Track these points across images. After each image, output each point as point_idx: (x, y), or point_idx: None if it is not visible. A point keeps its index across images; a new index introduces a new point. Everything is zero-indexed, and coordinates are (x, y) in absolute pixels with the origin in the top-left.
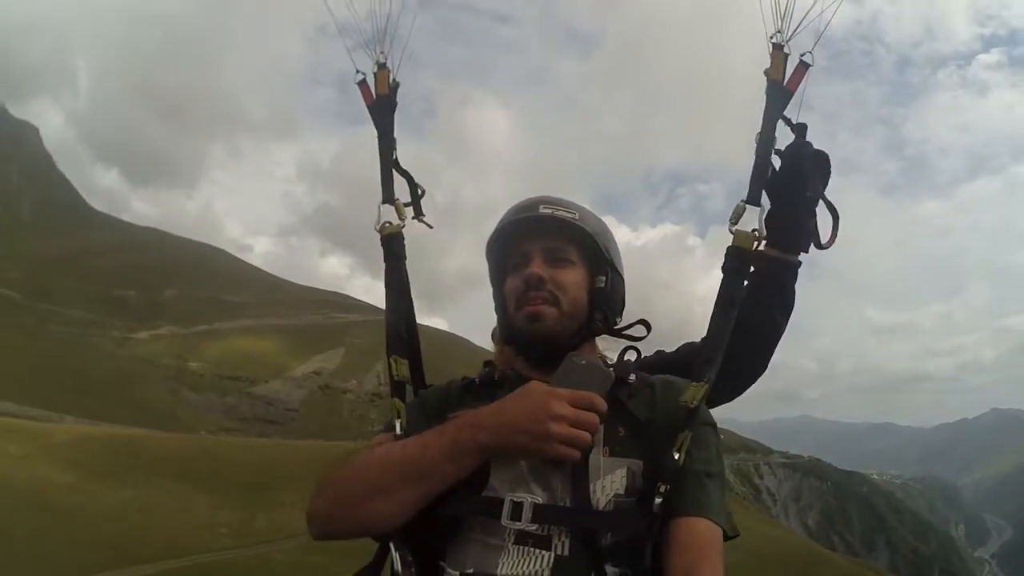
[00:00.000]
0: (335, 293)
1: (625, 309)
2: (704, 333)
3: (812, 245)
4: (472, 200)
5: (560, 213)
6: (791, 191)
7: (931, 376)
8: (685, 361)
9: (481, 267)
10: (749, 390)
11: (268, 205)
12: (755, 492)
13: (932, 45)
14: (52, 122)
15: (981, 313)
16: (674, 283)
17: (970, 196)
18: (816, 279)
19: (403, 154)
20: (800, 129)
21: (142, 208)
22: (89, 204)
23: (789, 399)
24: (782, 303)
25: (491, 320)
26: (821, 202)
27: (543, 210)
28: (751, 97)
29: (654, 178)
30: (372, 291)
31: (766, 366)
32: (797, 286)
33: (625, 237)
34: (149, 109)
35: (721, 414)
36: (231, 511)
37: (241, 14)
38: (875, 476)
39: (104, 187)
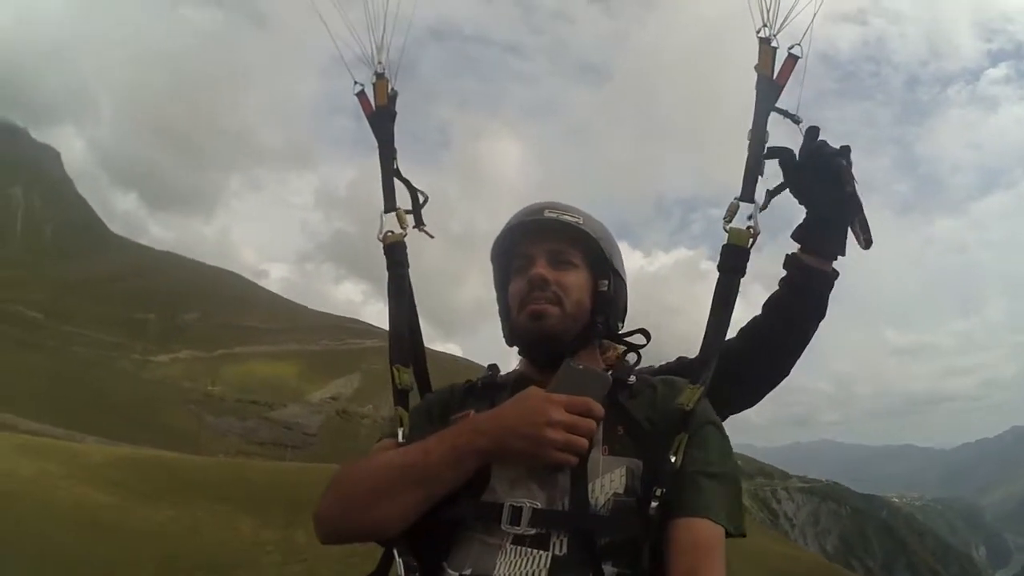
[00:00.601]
0: (351, 319)
1: (631, 323)
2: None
3: (863, 244)
4: (485, 229)
5: (565, 217)
6: (828, 192)
7: (952, 395)
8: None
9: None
10: (766, 417)
11: (284, 232)
12: (773, 517)
13: (939, 63)
14: (73, 147)
15: (1000, 328)
16: (687, 308)
17: (984, 211)
18: (832, 301)
19: (421, 183)
20: (813, 132)
21: (159, 232)
22: (109, 228)
23: (807, 423)
24: (816, 313)
25: (503, 348)
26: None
27: (548, 214)
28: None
29: (666, 203)
30: (386, 317)
31: (789, 372)
32: None
33: (637, 263)
34: (168, 138)
35: (739, 439)
36: (273, 530)
37: (258, 49)
38: (895, 499)
39: (123, 211)
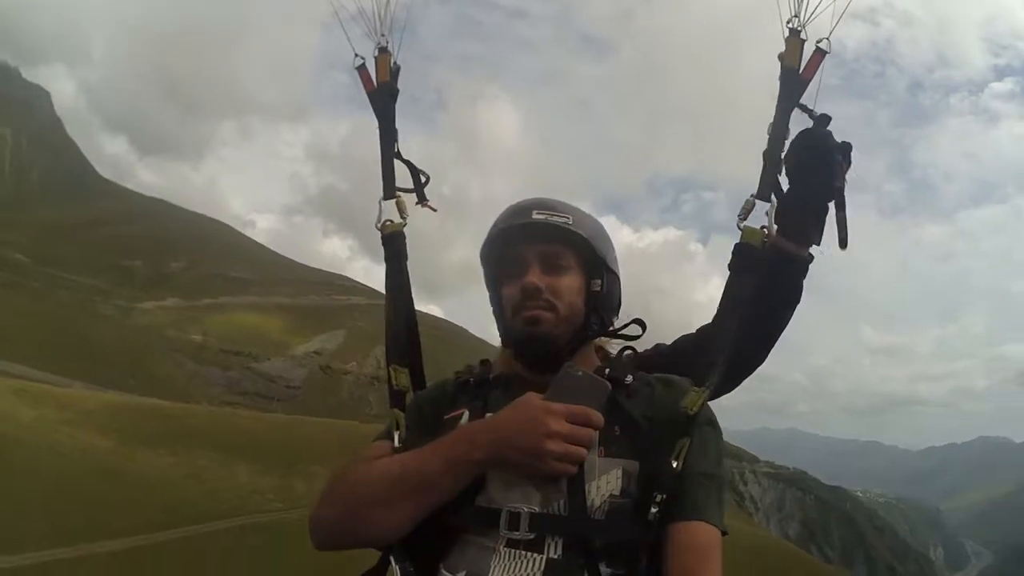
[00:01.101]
0: (338, 275)
1: (622, 308)
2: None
3: (838, 243)
4: (477, 195)
5: (554, 219)
6: (816, 180)
7: (923, 400)
8: (684, 354)
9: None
10: (737, 400)
11: (274, 184)
12: (739, 498)
13: (945, 71)
14: (64, 88)
15: (977, 340)
16: (674, 288)
17: (973, 222)
18: (813, 294)
19: (414, 145)
20: (823, 120)
21: (147, 177)
22: (98, 172)
23: (778, 412)
24: (791, 298)
25: (486, 312)
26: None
27: (536, 215)
28: (762, 112)
29: (660, 182)
30: (371, 274)
31: (764, 358)
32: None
33: (627, 238)
34: (162, 85)
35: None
36: (272, 478)
37: (257, 2)
38: (859, 493)
39: (110, 154)
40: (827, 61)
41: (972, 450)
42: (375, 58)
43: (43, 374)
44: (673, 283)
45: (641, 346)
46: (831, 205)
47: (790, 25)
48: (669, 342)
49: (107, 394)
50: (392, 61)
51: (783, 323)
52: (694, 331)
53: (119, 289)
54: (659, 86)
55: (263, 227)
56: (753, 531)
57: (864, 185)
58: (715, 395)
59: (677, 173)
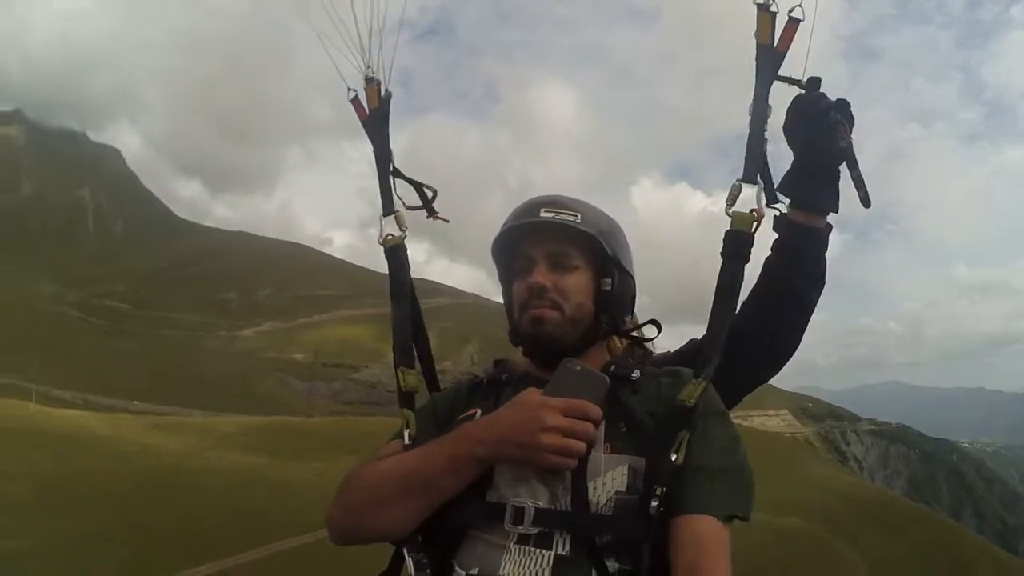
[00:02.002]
0: (418, 279)
1: (636, 305)
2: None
3: (861, 202)
4: (542, 180)
5: (561, 217)
6: (817, 143)
7: None
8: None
9: None
10: (833, 359)
11: (344, 200)
12: (842, 458)
13: None
14: (131, 143)
15: None
16: (754, 250)
17: None
18: (898, 238)
19: (471, 141)
20: (814, 82)
21: (224, 213)
22: (176, 215)
23: (876, 365)
24: (811, 274)
25: None
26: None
27: (544, 214)
28: (815, 49)
29: (724, 141)
30: (449, 274)
31: (797, 344)
32: (882, 248)
33: (700, 203)
34: (222, 121)
35: (807, 383)
36: None
37: (294, 28)
38: (966, 444)
39: (186, 197)
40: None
41: None
42: (364, 89)
43: (161, 407)
44: (755, 243)
45: (700, 311)
46: (842, 169)
47: (757, 1)
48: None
49: (235, 418)
50: (383, 88)
51: (809, 307)
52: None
53: (218, 321)
54: (706, 44)
55: (340, 243)
56: (852, 479)
57: (937, 113)
58: (758, 382)
59: (740, 130)
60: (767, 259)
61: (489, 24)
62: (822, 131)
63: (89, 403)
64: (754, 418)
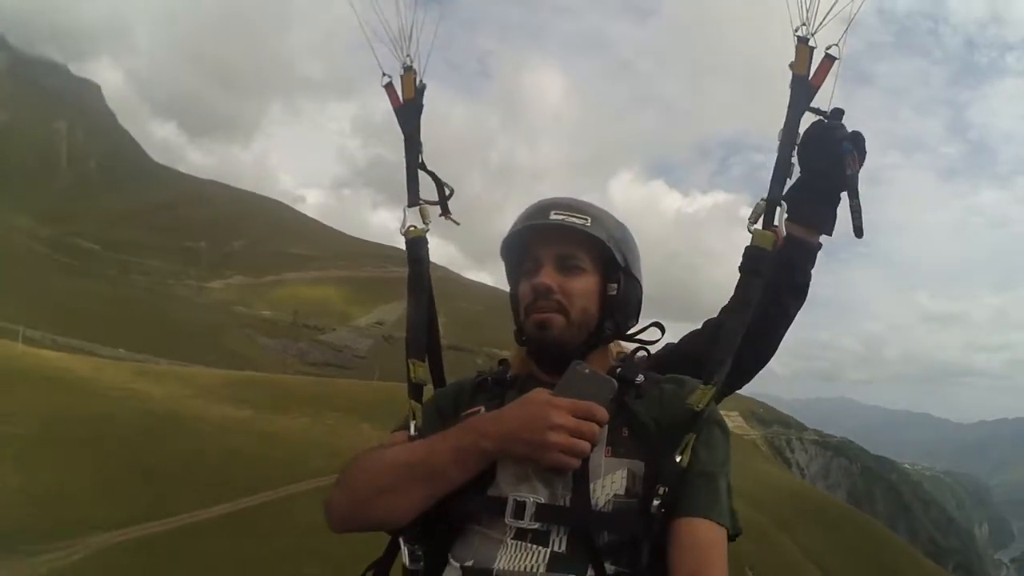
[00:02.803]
0: (392, 247)
1: (660, 255)
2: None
3: (854, 231)
4: (525, 162)
5: (571, 220)
6: (827, 167)
7: (978, 371)
8: (694, 353)
9: None
10: (791, 368)
11: (321, 158)
12: (786, 464)
13: (999, 29)
14: (112, 79)
15: None
16: (724, 253)
17: None
18: (869, 260)
19: (458, 115)
20: (836, 113)
21: (198, 159)
22: (152, 158)
23: (832, 379)
24: (796, 287)
25: None
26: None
27: (554, 216)
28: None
29: (708, 145)
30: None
31: (772, 354)
32: (851, 267)
33: (676, 203)
34: (208, 67)
35: (761, 389)
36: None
37: None
38: (906, 465)
39: (161, 138)
40: (878, 18)
41: None
42: (401, 77)
43: (131, 353)
44: (724, 247)
45: (689, 310)
46: (843, 196)
47: (798, 33)
48: (698, 325)
49: (214, 370)
50: (417, 79)
51: (789, 317)
52: (700, 327)
53: (188, 270)
54: (703, 46)
55: (313, 202)
56: (801, 483)
57: (921, 144)
58: (728, 391)
59: (725, 135)
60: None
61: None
62: (833, 158)
63: (59, 344)
64: None
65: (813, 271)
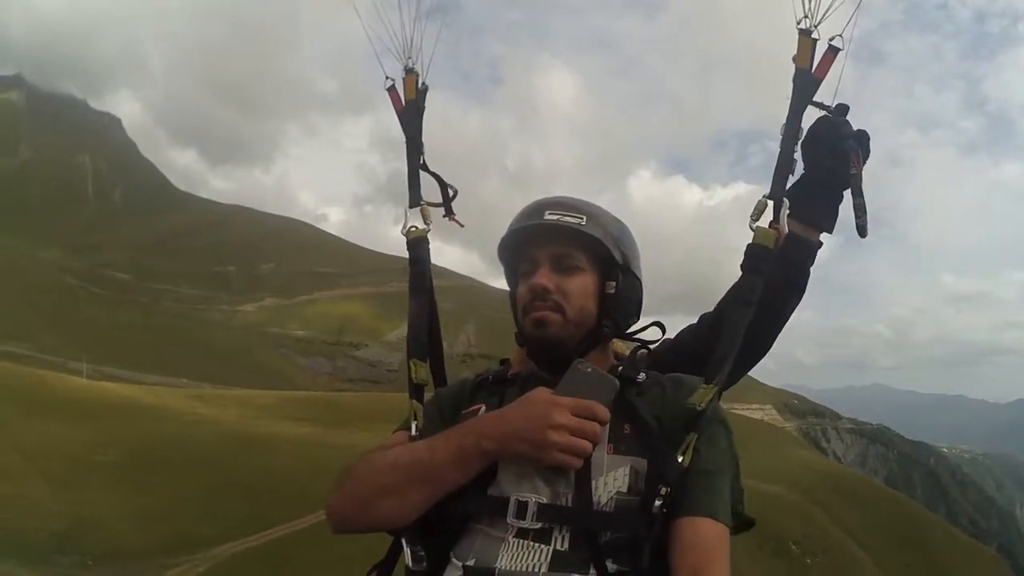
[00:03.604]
0: None
1: (643, 306)
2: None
3: (858, 231)
4: (540, 164)
5: (566, 219)
6: (831, 165)
7: (1009, 349)
8: (690, 348)
9: None
10: (818, 359)
11: (341, 176)
12: (822, 454)
13: (1009, 1)
14: (131, 111)
15: None
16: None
17: None
18: (891, 243)
19: (472, 123)
20: (842, 108)
21: (219, 184)
22: (175, 186)
23: (862, 367)
24: (794, 284)
25: None
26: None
27: (549, 216)
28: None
29: (724, 136)
30: (442, 255)
31: (766, 351)
32: (874, 253)
33: (696, 197)
34: (224, 92)
35: (792, 380)
36: None
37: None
38: (944, 449)
39: (182, 166)
40: None
41: None
42: (403, 79)
43: (171, 379)
44: (747, 240)
45: (706, 299)
46: (846, 194)
47: (800, 25)
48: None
49: (266, 392)
50: (420, 81)
51: (785, 313)
52: (696, 322)
53: (219, 295)
54: (713, 37)
55: (335, 220)
56: (833, 465)
57: (938, 121)
58: (723, 388)
59: (740, 126)
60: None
61: (495, 4)
62: (837, 156)
63: (104, 375)
64: (738, 412)
65: (812, 268)
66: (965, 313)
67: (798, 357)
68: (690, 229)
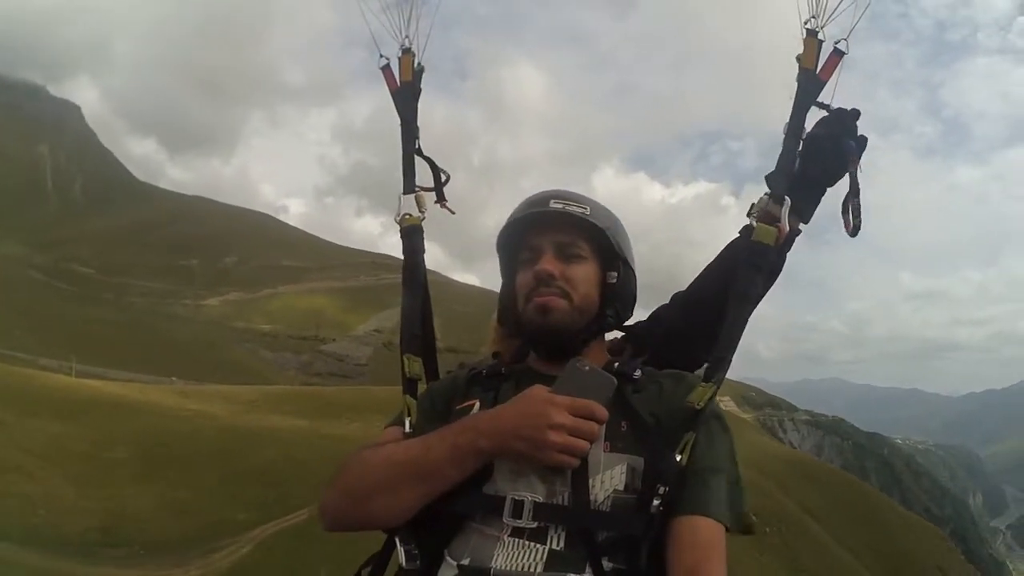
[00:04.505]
0: (384, 255)
1: (649, 248)
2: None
3: (852, 229)
4: (508, 158)
5: (571, 208)
6: (828, 164)
7: (962, 345)
8: (667, 324)
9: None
10: (777, 351)
11: (302, 168)
12: (778, 442)
13: (968, 11)
14: (89, 98)
15: (1016, 284)
16: (708, 242)
17: (1008, 163)
18: (851, 241)
19: (438, 116)
20: (854, 114)
21: (178, 174)
22: (136, 177)
23: (820, 361)
24: (772, 267)
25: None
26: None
27: (554, 205)
28: (787, 59)
29: (688, 135)
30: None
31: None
32: (834, 249)
33: (658, 195)
34: (187, 81)
35: (750, 373)
36: None
37: None
38: (898, 440)
39: (140, 155)
40: (846, 2)
41: (1013, 396)
42: (399, 59)
43: (139, 375)
44: (706, 235)
45: (671, 290)
46: (831, 191)
47: (808, 26)
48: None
49: (247, 387)
50: (416, 62)
51: (760, 295)
52: (685, 290)
53: (184, 289)
54: (683, 38)
55: (296, 211)
56: (792, 452)
57: (896, 125)
58: (693, 368)
59: (705, 126)
60: (732, 242)
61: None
62: (836, 155)
63: (77, 372)
64: None
65: (791, 256)
66: (922, 310)
67: (757, 350)
68: (653, 225)
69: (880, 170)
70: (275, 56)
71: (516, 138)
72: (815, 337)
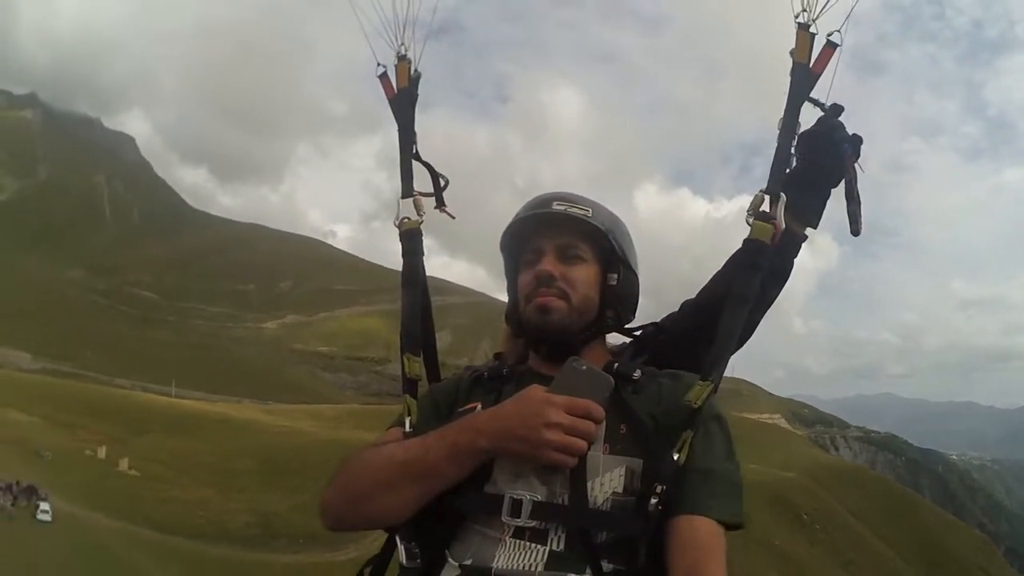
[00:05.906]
0: (433, 278)
1: (639, 303)
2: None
3: (851, 232)
4: (549, 179)
5: (573, 210)
6: (825, 167)
7: (1019, 354)
8: (676, 329)
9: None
10: (828, 367)
11: (347, 193)
12: (828, 453)
13: (1004, 4)
14: (142, 130)
15: None
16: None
17: None
18: (898, 249)
19: (479, 142)
20: (836, 109)
21: (227, 202)
22: (190, 205)
23: (871, 376)
24: (780, 273)
25: None
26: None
27: (556, 206)
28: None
29: (728, 148)
30: (449, 269)
31: (750, 336)
32: (882, 260)
33: (703, 210)
34: (234, 114)
35: (801, 390)
36: None
37: (314, 21)
38: (953, 456)
39: (191, 184)
40: (883, 10)
41: None
42: (395, 66)
43: (207, 395)
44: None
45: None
46: (833, 192)
47: (799, 19)
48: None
49: (325, 406)
50: (412, 68)
51: (770, 299)
52: (695, 296)
53: (242, 313)
54: (716, 48)
55: (343, 236)
56: (832, 458)
57: (941, 128)
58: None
59: (746, 138)
60: (738, 250)
61: (496, 23)
62: (832, 158)
63: (151, 391)
64: (749, 417)
65: (829, 266)
66: (975, 319)
67: (807, 366)
68: (696, 240)
69: (925, 174)
70: (317, 87)
71: (556, 158)
72: (866, 351)
